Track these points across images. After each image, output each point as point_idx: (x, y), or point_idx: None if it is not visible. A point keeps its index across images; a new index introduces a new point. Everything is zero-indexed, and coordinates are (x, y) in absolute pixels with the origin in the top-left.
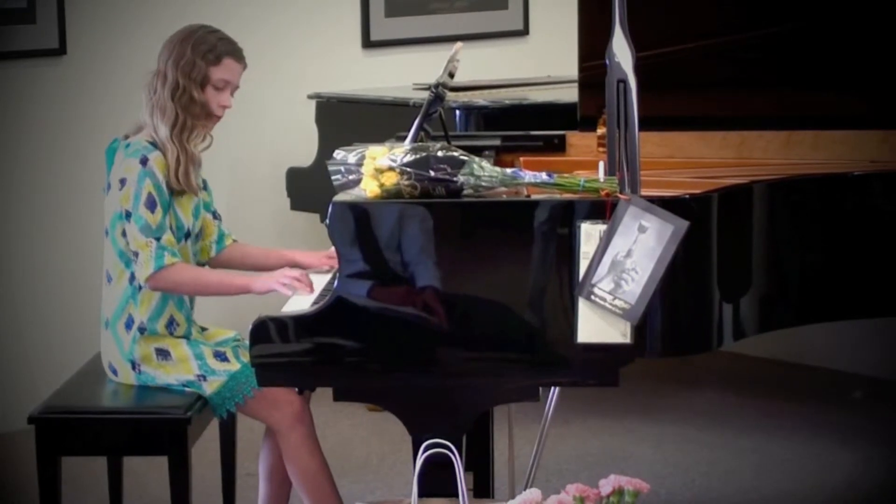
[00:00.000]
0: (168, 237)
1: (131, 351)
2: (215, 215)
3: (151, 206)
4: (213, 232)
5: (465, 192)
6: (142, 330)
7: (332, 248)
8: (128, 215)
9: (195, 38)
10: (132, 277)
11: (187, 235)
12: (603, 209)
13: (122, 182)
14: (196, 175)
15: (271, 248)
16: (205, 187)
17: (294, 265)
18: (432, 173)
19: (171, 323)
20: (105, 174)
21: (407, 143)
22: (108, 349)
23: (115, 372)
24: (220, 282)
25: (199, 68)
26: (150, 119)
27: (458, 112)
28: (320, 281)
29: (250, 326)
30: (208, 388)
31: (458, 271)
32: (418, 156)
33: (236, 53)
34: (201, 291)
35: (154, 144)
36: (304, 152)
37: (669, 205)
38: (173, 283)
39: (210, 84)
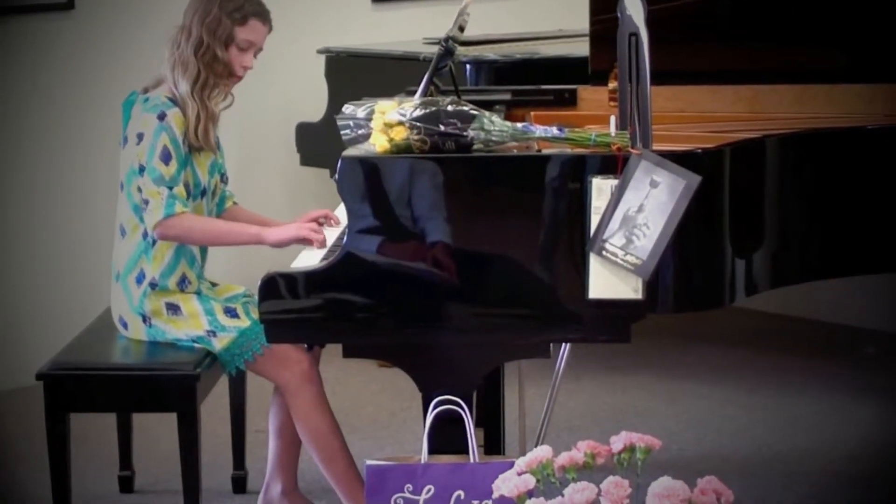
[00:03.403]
0: (180, 189)
1: (141, 305)
2: (223, 177)
3: (166, 158)
4: (217, 194)
5: (475, 146)
6: (153, 286)
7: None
8: (141, 169)
9: None
10: (145, 232)
11: (203, 193)
12: (614, 164)
13: (140, 137)
14: (214, 133)
15: (277, 207)
16: (217, 146)
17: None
18: (442, 128)
19: (182, 280)
20: (121, 127)
21: (417, 98)
22: (119, 303)
23: (125, 325)
24: (230, 231)
25: (225, 27)
26: (170, 74)
27: (468, 66)
28: (330, 236)
29: (259, 282)
30: (218, 345)
31: (469, 227)
32: (428, 110)
33: (263, 15)
34: (210, 240)
35: (173, 101)
36: (314, 107)
37: (681, 159)
38: (183, 230)
39: (234, 44)
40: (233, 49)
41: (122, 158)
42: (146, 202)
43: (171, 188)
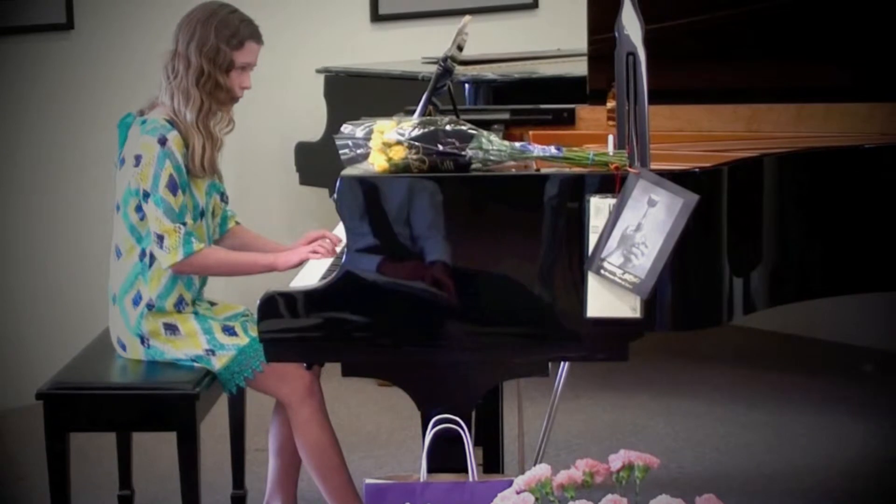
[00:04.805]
0: (190, 220)
1: (139, 325)
2: (223, 197)
3: (173, 189)
4: (218, 214)
5: (473, 166)
6: (150, 307)
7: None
8: (146, 195)
9: (217, 20)
10: (142, 253)
11: (202, 214)
12: (612, 183)
13: (137, 159)
14: (217, 159)
15: (276, 227)
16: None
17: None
18: (440, 147)
19: (179, 301)
20: (117, 148)
21: (415, 117)
22: (116, 324)
23: (123, 347)
24: (244, 263)
25: (224, 54)
26: (170, 102)
27: (467, 86)
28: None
29: (258, 301)
30: (217, 363)
31: (467, 246)
32: (426, 130)
33: (257, 35)
34: (227, 273)
35: (172, 123)
36: (313, 127)
37: (679, 178)
38: (201, 266)
39: (234, 69)
40: (233, 74)
41: (118, 180)
42: (160, 237)
43: (184, 223)
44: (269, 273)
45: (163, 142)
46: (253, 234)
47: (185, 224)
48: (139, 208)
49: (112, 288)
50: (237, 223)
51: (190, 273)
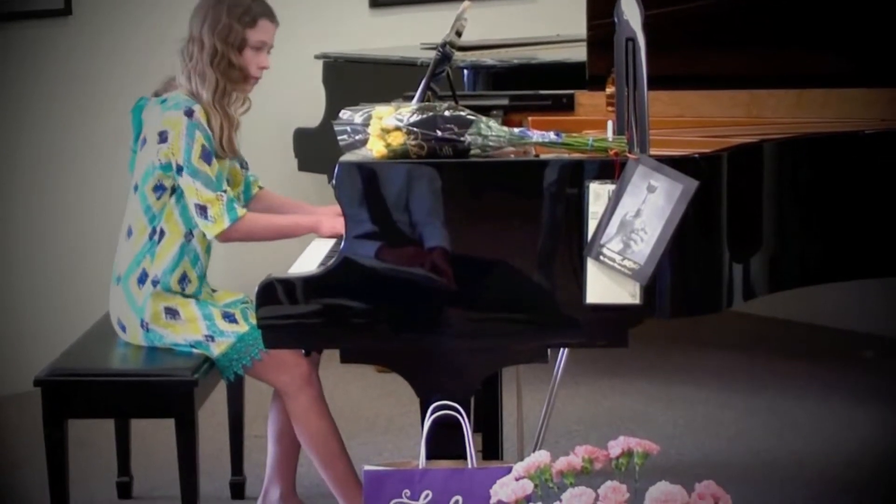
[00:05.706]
0: (228, 188)
1: (143, 307)
2: (242, 164)
3: (207, 158)
4: (241, 182)
5: (472, 152)
6: (155, 283)
7: None
8: (179, 169)
9: (228, 1)
10: (153, 232)
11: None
12: (612, 169)
13: (162, 135)
14: (236, 139)
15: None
16: None
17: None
18: (439, 133)
19: (183, 279)
20: (132, 132)
21: (414, 103)
22: (118, 305)
23: (123, 328)
24: (288, 225)
25: (236, 32)
26: (187, 83)
27: (466, 71)
28: (326, 245)
29: (257, 288)
30: (216, 350)
31: (466, 232)
32: (425, 115)
33: (270, 14)
34: (271, 237)
35: (194, 97)
36: (312, 113)
37: (679, 164)
38: (246, 232)
39: (248, 47)
40: (247, 52)
41: (138, 160)
42: (202, 208)
43: (224, 191)
44: (268, 260)
45: (189, 113)
46: (280, 196)
47: (225, 192)
48: (157, 188)
49: (118, 268)
50: (261, 187)
51: (236, 240)
